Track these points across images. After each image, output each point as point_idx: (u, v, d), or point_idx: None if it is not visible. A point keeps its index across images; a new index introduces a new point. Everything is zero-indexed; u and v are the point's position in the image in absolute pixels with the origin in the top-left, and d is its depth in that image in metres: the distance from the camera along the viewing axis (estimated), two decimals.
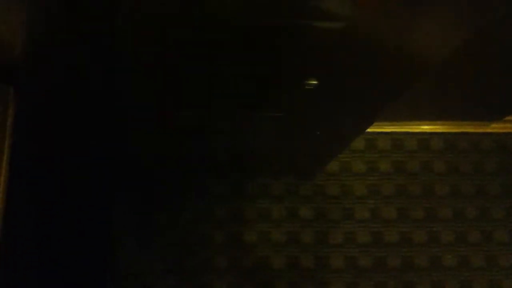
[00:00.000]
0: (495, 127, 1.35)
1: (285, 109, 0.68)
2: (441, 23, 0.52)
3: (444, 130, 1.31)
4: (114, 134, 0.92)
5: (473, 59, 0.93)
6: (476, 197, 1.29)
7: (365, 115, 0.82)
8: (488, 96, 1.16)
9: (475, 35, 0.82)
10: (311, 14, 0.46)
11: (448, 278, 1.22)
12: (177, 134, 0.93)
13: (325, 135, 0.92)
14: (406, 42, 0.56)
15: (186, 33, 0.51)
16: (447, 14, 0.51)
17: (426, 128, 1.31)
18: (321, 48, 0.53)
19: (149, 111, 0.77)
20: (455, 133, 1.31)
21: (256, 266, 1.19)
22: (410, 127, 1.30)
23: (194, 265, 1.18)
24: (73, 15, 0.46)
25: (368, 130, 1.27)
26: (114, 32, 0.50)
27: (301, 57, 0.54)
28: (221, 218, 1.21)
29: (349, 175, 1.26)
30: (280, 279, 1.19)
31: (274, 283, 1.19)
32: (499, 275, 1.24)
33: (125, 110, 0.77)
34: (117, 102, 0.73)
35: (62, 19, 0.47)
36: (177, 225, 1.20)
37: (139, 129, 0.86)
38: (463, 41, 0.58)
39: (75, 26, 0.48)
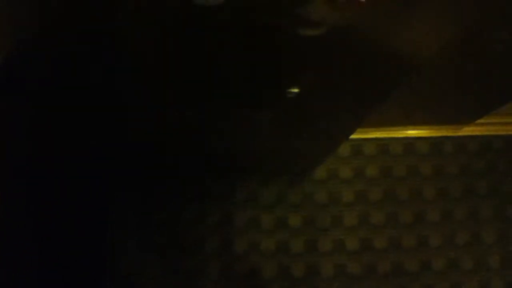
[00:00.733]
0: (480, 130, 1.36)
1: (273, 112, 0.68)
2: (426, 22, 0.53)
3: (429, 134, 1.32)
4: (113, 134, 0.92)
5: (451, 62, 0.94)
6: (463, 199, 1.30)
7: (353, 116, 0.82)
8: (463, 99, 1.17)
9: (457, 37, 0.82)
10: (295, 19, 0.47)
11: (438, 281, 1.22)
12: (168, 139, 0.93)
13: (313, 138, 0.92)
14: (390, 42, 0.56)
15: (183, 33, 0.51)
16: (432, 13, 0.51)
17: (411, 132, 1.32)
18: (306, 52, 0.53)
19: (148, 110, 0.76)
20: (440, 137, 1.32)
21: (248, 274, 1.19)
22: (395, 132, 1.31)
23: (187, 269, 1.17)
24: (73, 12, 0.46)
25: (354, 136, 1.28)
26: (114, 30, 0.49)
27: (287, 61, 0.54)
28: (214, 223, 1.20)
29: (337, 181, 1.26)
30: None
31: None
32: (488, 276, 1.25)
33: (124, 109, 0.76)
34: (116, 101, 0.72)
35: (62, 16, 0.47)
36: (173, 226, 1.19)
37: (139, 128, 0.85)
38: (447, 41, 0.59)
39: (75, 24, 0.48)
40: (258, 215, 1.22)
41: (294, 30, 0.45)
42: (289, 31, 0.46)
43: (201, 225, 1.20)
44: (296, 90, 0.53)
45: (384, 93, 0.71)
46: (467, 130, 1.34)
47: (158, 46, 0.53)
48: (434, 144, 1.32)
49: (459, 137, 1.33)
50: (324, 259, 1.20)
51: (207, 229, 1.19)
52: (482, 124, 1.36)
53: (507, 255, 1.26)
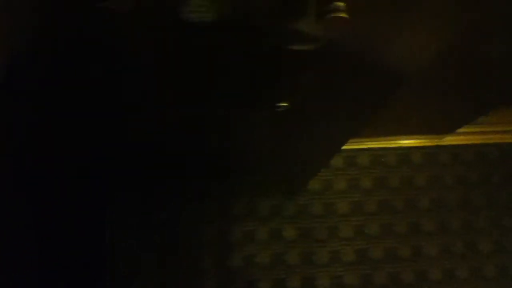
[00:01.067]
0: (475, 139, 1.36)
1: (264, 125, 0.68)
2: (413, 36, 0.53)
3: (422, 143, 1.32)
4: (113, 134, 0.91)
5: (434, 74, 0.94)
6: (459, 209, 1.30)
7: (344, 128, 0.82)
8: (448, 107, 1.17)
9: (444, 48, 0.83)
10: (285, 37, 0.47)
11: None
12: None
13: (305, 151, 0.92)
14: (379, 56, 0.56)
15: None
16: (419, 26, 0.51)
17: (404, 142, 1.32)
18: (299, 67, 0.53)
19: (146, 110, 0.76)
20: (434, 146, 1.33)
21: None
22: (389, 142, 1.31)
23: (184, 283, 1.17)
24: (72, 12, 0.45)
25: (347, 147, 1.28)
26: (113, 31, 0.49)
27: (277, 75, 0.55)
28: (209, 239, 1.20)
29: (332, 193, 1.26)
30: None
31: None
32: (484, 285, 1.24)
33: (124, 109, 0.76)
34: (116, 102, 0.72)
35: (60, 17, 0.46)
36: (169, 245, 1.18)
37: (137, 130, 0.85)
38: (436, 53, 0.59)
39: (74, 24, 0.47)
40: (254, 228, 1.21)
41: (283, 45, 0.45)
42: (278, 46, 0.47)
43: (197, 241, 1.19)
44: (285, 104, 0.53)
45: (374, 106, 0.72)
46: (462, 139, 1.34)
47: (153, 51, 0.52)
48: (428, 154, 1.32)
49: (453, 146, 1.33)
50: (321, 271, 1.20)
51: (203, 244, 1.19)
52: (477, 133, 1.36)
53: (503, 265, 1.26)
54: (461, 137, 1.35)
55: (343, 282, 1.20)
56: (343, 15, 0.39)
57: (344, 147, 1.12)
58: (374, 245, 1.23)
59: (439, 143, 1.33)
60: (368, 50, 0.54)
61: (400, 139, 1.31)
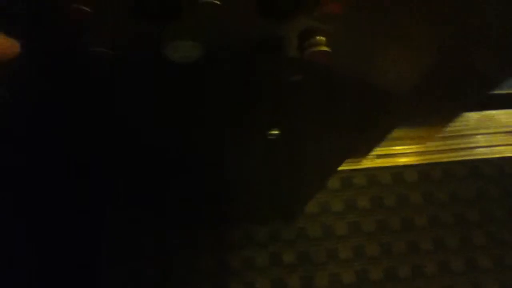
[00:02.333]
0: (468, 155, 1.38)
1: (256, 154, 0.70)
2: (398, 56, 0.55)
3: (417, 161, 1.34)
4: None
5: None
6: (455, 226, 1.30)
7: (336, 152, 0.84)
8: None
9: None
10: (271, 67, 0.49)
11: None
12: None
13: (299, 176, 0.93)
14: (367, 79, 0.58)
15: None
16: (406, 48, 0.53)
17: (399, 161, 1.33)
18: (285, 94, 0.55)
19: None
20: (428, 164, 1.34)
21: None
22: (384, 161, 1.32)
23: None
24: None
25: (343, 168, 1.29)
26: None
27: (258, 111, 0.56)
28: (207, 269, 1.20)
29: (329, 214, 1.27)
30: None
31: None
32: None
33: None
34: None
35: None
36: (167, 279, 1.18)
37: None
38: (424, 73, 0.61)
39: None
40: (252, 254, 1.21)
41: (267, 77, 0.47)
42: (261, 78, 0.48)
43: (194, 271, 1.19)
44: (276, 132, 0.55)
45: (364, 127, 0.73)
46: (454, 156, 1.36)
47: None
48: (423, 171, 1.34)
49: (447, 163, 1.35)
50: None
51: (200, 274, 1.19)
52: (470, 149, 1.38)
53: (504, 280, 1.26)
54: (454, 153, 1.36)
55: None
56: (324, 48, 0.41)
57: (340, 168, 1.13)
58: (374, 265, 1.23)
59: (434, 161, 1.35)
60: (354, 73, 0.56)
61: (395, 157, 1.33)
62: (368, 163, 1.31)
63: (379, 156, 1.32)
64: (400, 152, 1.34)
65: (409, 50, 0.55)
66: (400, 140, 1.32)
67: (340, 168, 1.21)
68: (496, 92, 1.43)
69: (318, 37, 0.40)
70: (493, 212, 1.33)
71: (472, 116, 1.45)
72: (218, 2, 0.37)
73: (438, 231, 1.29)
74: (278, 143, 0.61)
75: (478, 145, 1.41)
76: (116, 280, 1.16)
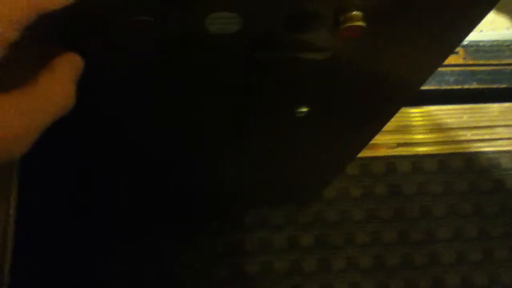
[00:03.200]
0: (487, 146, 1.38)
1: (276, 138, 0.71)
2: (419, 49, 0.55)
3: (437, 151, 1.34)
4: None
5: None
6: (473, 216, 1.30)
7: (354, 142, 0.85)
8: None
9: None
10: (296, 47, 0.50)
11: None
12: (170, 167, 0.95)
13: (320, 161, 0.94)
14: (388, 67, 0.59)
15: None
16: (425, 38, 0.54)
17: (419, 150, 1.33)
18: (308, 78, 0.56)
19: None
20: (448, 154, 1.34)
21: None
22: (403, 149, 1.32)
23: None
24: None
25: (362, 155, 1.30)
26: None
27: (288, 88, 0.57)
28: (222, 252, 1.21)
29: (346, 200, 1.28)
30: None
31: None
32: None
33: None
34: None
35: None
36: (185, 254, 1.20)
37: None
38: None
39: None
40: (270, 236, 1.23)
41: (295, 55, 0.48)
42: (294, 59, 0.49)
43: (212, 251, 1.21)
44: (305, 110, 0.56)
45: (388, 112, 0.74)
46: (475, 147, 1.36)
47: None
48: (442, 161, 1.34)
49: (467, 153, 1.35)
50: (338, 278, 1.21)
51: (218, 255, 1.21)
52: (491, 140, 1.38)
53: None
54: (475, 144, 1.36)
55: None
56: (360, 23, 0.42)
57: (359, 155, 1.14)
58: (390, 252, 1.24)
59: (453, 151, 1.34)
60: (383, 56, 0.56)
61: (414, 147, 1.33)
62: (387, 151, 1.32)
63: (399, 145, 1.33)
64: (420, 142, 1.34)
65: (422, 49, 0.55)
66: (420, 128, 1.32)
67: (359, 155, 1.22)
68: None
69: (354, 12, 0.41)
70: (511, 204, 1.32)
71: (494, 108, 1.44)
72: None
73: (455, 221, 1.29)
74: (305, 122, 0.62)
75: (499, 137, 1.41)
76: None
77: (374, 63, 0.57)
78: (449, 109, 1.39)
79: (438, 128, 1.37)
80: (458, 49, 1.45)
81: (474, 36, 1.47)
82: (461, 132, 1.37)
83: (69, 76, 0.25)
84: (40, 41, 0.27)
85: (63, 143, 0.70)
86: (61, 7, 0.24)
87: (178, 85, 0.57)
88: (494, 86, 1.48)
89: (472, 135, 1.38)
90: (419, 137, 1.35)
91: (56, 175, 0.91)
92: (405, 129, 1.36)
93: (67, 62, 0.26)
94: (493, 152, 1.37)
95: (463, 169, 1.34)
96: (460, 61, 1.48)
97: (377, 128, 0.82)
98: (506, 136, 1.41)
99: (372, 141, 1.22)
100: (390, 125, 1.26)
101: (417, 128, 1.36)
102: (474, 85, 1.47)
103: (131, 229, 1.20)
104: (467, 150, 1.35)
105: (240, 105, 0.62)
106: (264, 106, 0.59)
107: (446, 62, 1.60)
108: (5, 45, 0.21)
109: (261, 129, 0.69)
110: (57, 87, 0.24)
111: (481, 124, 1.40)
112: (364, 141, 0.88)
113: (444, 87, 1.45)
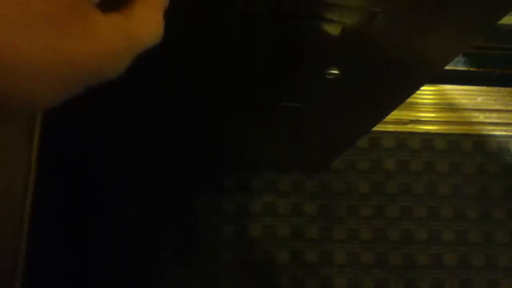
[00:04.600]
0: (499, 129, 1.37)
1: (302, 100, 0.70)
2: (451, 29, 0.54)
3: (447, 130, 1.34)
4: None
5: None
6: (478, 198, 1.31)
7: (373, 113, 0.84)
8: None
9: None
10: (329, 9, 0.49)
11: (448, 276, 1.24)
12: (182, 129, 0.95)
13: (335, 130, 0.94)
14: (418, 44, 0.58)
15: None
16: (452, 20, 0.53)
17: (429, 128, 1.33)
18: (338, 43, 0.55)
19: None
20: (459, 134, 1.34)
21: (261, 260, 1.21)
22: (414, 126, 1.32)
23: (202, 258, 1.20)
24: None
25: (373, 129, 1.29)
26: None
27: (317, 51, 0.56)
28: (229, 212, 1.22)
29: (354, 172, 1.28)
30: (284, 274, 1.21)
31: (279, 277, 1.21)
32: (499, 275, 1.26)
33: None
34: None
35: None
36: (186, 218, 1.21)
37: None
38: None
39: None
40: (275, 202, 1.24)
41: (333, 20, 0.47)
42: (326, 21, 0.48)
43: (217, 215, 1.22)
44: (336, 72, 0.55)
45: (406, 93, 0.74)
46: (486, 129, 1.35)
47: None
48: (453, 141, 1.34)
49: (477, 135, 1.34)
50: (338, 248, 1.23)
51: (222, 218, 1.22)
52: (502, 124, 1.37)
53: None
54: (487, 127, 1.35)
55: (359, 259, 1.22)
56: None
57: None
58: (392, 226, 1.25)
59: (464, 132, 1.34)
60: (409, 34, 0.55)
61: (425, 125, 1.32)
62: (399, 127, 1.31)
63: (411, 121, 1.32)
64: (432, 120, 1.34)
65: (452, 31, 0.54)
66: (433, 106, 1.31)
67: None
68: None
69: None
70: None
71: (509, 92, 1.43)
72: None
73: (459, 201, 1.30)
74: (332, 86, 0.62)
75: (511, 121, 1.40)
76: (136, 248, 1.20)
77: (405, 37, 0.56)
78: (464, 90, 1.38)
79: (451, 108, 1.36)
80: None
81: None
82: (473, 114, 1.37)
83: (161, 4, 0.25)
84: None
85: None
86: None
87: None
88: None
89: (484, 117, 1.37)
90: (432, 115, 1.35)
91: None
92: (418, 106, 1.35)
93: None
94: (503, 136, 1.37)
95: (472, 151, 1.34)
96: (480, 43, 1.46)
97: (396, 102, 0.81)
98: None
99: None
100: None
101: (430, 107, 1.35)
102: (490, 69, 1.46)
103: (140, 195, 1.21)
104: (478, 132, 1.35)
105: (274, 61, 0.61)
106: (297, 66, 0.58)
107: None
108: None
109: (292, 90, 0.68)
110: (150, 14, 0.24)
111: (494, 108, 1.39)
112: (382, 114, 0.88)
113: (460, 68, 1.44)
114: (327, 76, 0.55)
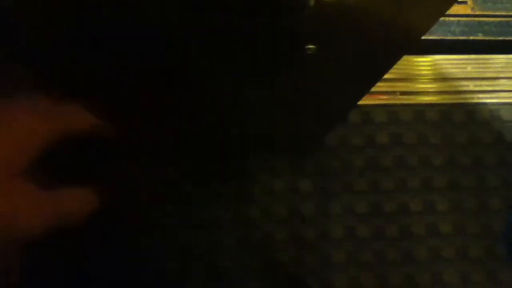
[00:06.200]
0: (489, 97, 1.37)
1: (289, 79, 0.70)
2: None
3: (439, 101, 1.34)
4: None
5: None
6: (471, 168, 1.32)
7: (359, 85, 0.85)
8: None
9: None
10: None
11: (444, 245, 1.26)
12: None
13: (323, 106, 0.94)
14: (396, 13, 0.58)
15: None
16: None
17: (422, 99, 1.33)
18: (319, 19, 0.55)
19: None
20: (451, 104, 1.34)
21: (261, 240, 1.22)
22: (406, 97, 1.32)
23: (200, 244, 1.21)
24: None
25: (364, 102, 1.30)
26: None
27: (298, 26, 0.57)
28: (227, 197, 1.23)
29: (347, 148, 1.29)
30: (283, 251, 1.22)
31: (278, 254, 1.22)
32: (494, 241, 1.28)
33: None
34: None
35: None
36: (187, 204, 1.22)
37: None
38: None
39: None
40: (270, 182, 1.25)
41: None
42: None
43: (215, 201, 1.22)
44: (313, 47, 0.55)
45: (386, 64, 0.74)
46: (477, 98, 1.35)
47: None
48: (444, 112, 1.34)
49: (468, 104, 1.35)
50: (335, 222, 1.24)
51: (221, 202, 1.22)
52: (493, 92, 1.37)
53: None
54: (477, 95, 1.36)
55: (356, 233, 1.24)
56: None
57: (361, 102, 1.13)
58: (387, 199, 1.27)
59: (456, 101, 1.34)
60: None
61: (417, 96, 1.33)
62: (390, 99, 1.32)
63: (402, 93, 1.32)
64: (423, 91, 1.34)
65: None
66: (424, 77, 1.31)
67: (361, 103, 1.22)
68: None
69: None
70: (510, 157, 1.33)
71: (499, 60, 1.43)
72: None
73: (453, 171, 1.31)
74: (312, 61, 0.62)
75: (501, 88, 1.40)
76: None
77: (379, 7, 0.56)
78: (454, 59, 1.38)
79: (441, 77, 1.36)
80: None
81: None
82: (464, 83, 1.37)
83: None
84: None
85: None
86: None
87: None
88: (501, 38, 1.47)
89: (474, 86, 1.37)
90: (422, 86, 1.35)
91: None
92: (409, 77, 1.35)
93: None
94: (494, 104, 1.37)
95: (464, 120, 1.34)
96: (468, 11, 1.45)
97: (379, 73, 0.82)
98: (509, 88, 1.40)
99: (375, 89, 1.22)
100: (394, 72, 1.25)
101: (421, 77, 1.35)
102: (480, 37, 1.45)
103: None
104: (469, 101, 1.35)
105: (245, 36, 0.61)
106: (272, 40, 0.58)
107: (454, 12, 1.57)
108: None
109: (266, 67, 0.69)
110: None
111: (484, 76, 1.39)
112: (366, 87, 0.88)
113: (449, 37, 1.43)
114: (307, 52, 0.55)
